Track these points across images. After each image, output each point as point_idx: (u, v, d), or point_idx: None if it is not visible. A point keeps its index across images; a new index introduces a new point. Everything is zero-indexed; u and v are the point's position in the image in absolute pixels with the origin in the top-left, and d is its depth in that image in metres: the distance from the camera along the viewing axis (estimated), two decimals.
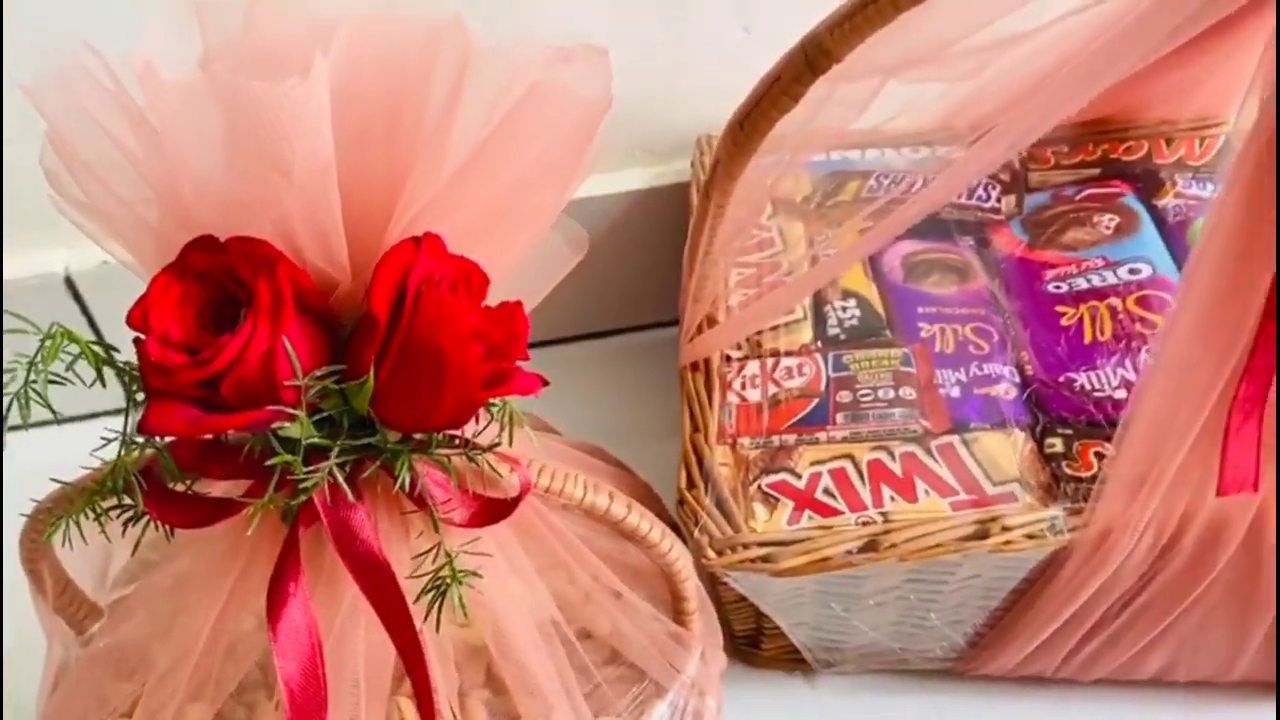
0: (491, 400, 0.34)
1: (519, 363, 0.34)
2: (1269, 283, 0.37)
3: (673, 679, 0.42)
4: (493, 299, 0.35)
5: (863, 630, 0.49)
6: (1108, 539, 0.42)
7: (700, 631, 0.43)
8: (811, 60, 0.41)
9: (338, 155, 0.31)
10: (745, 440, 0.48)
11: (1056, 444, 0.46)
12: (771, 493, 0.46)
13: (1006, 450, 0.46)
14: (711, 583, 0.47)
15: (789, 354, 0.52)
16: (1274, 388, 0.38)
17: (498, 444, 0.33)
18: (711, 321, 0.52)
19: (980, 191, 0.58)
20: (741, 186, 0.48)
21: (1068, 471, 0.44)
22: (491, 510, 0.34)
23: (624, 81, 0.35)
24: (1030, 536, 0.42)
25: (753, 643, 0.53)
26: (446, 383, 0.30)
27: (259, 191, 0.30)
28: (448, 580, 0.33)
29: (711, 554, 0.43)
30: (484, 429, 0.35)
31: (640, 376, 0.66)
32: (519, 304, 0.34)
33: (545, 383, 0.34)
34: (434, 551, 0.33)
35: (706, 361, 0.51)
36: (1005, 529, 0.42)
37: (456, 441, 0.33)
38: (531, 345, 0.35)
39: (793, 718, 0.52)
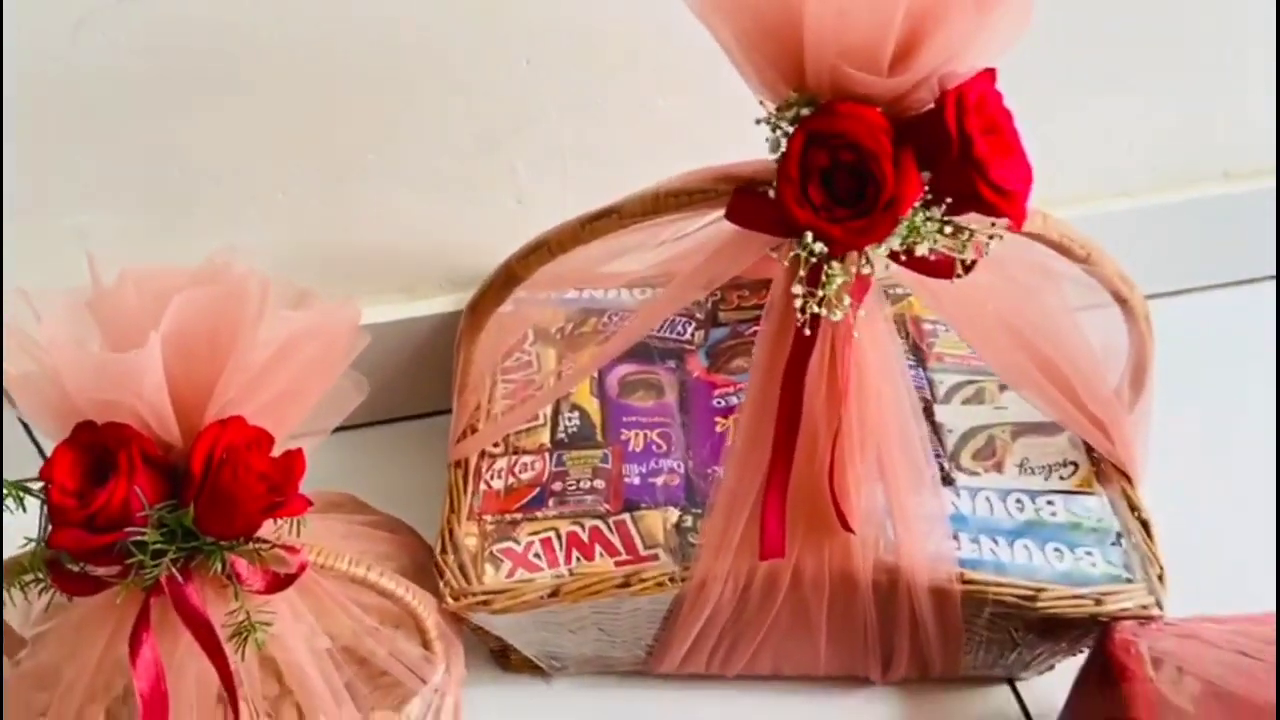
0: (281, 517, 0.55)
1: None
2: (777, 399, 0.58)
3: (420, 686, 0.63)
4: (294, 441, 0.56)
5: (572, 647, 0.70)
6: (705, 587, 0.64)
7: (441, 653, 0.64)
8: (508, 278, 0.62)
9: (175, 367, 0.51)
10: (488, 517, 0.69)
11: (689, 520, 0.68)
12: (499, 555, 0.67)
13: (659, 524, 0.68)
14: (460, 619, 0.67)
15: (528, 452, 0.73)
16: (788, 477, 0.59)
17: (273, 545, 0.54)
18: (473, 428, 0.73)
19: (679, 327, 0.80)
20: (492, 334, 0.70)
21: (691, 540, 0.66)
22: (277, 582, 0.54)
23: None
24: (659, 585, 0.64)
25: (503, 655, 0.74)
26: (236, 512, 0.50)
27: (122, 398, 0.50)
28: (249, 627, 0.53)
29: (450, 600, 0.64)
30: (278, 529, 0.56)
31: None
32: (298, 452, 0.55)
33: (309, 503, 0.54)
34: (239, 610, 0.53)
35: (468, 459, 0.72)
36: (641, 580, 0.64)
37: (251, 542, 0.53)
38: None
39: (534, 709, 0.74)
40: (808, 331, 0.51)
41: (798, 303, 0.49)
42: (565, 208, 0.61)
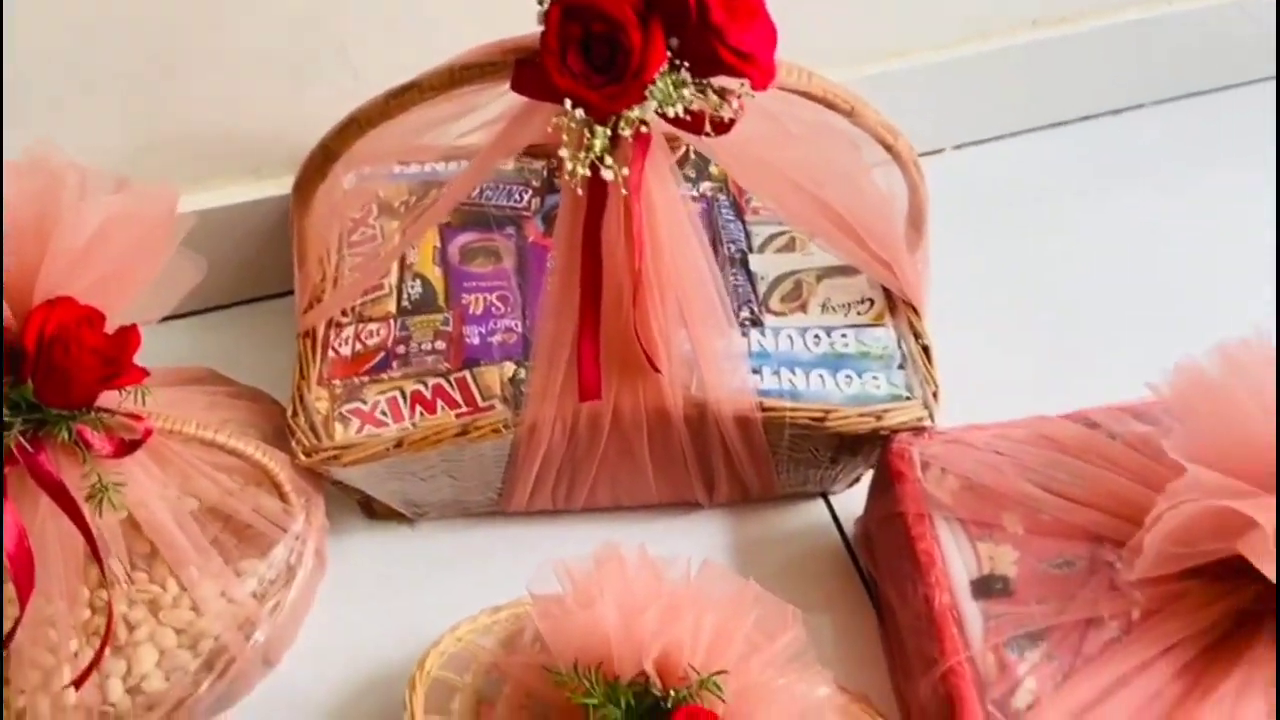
0: (120, 387, 0.59)
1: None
2: (580, 248, 0.63)
3: (281, 535, 0.70)
4: (126, 318, 0.60)
5: (428, 493, 0.77)
6: (536, 430, 0.71)
7: (299, 504, 0.70)
8: (325, 155, 0.66)
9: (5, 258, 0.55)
10: (337, 382, 0.75)
11: (523, 373, 0.74)
12: (347, 415, 0.73)
13: (496, 378, 0.74)
14: (319, 475, 0.73)
15: (374, 320, 0.78)
16: (598, 327, 0.65)
17: (115, 413, 0.58)
18: (319, 300, 0.78)
19: (517, 195, 0.84)
20: (321, 210, 0.73)
21: (523, 391, 0.73)
22: (124, 447, 0.60)
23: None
24: (494, 431, 0.71)
25: (367, 505, 0.81)
26: (71, 384, 0.55)
27: None
28: (101, 489, 0.59)
29: (302, 457, 0.70)
30: (123, 399, 0.61)
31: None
32: (132, 327, 0.59)
33: (146, 373, 0.59)
34: (90, 474, 0.59)
35: (315, 329, 0.77)
36: (478, 428, 0.70)
37: (94, 412, 0.58)
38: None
39: (400, 552, 0.81)
40: (580, 192, 0.56)
41: (567, 165, 0.54)
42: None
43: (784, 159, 0.67)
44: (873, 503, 0.73)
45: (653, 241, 0.64)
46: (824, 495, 0.83)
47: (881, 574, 0.72)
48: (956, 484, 0.67)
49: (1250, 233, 0.98)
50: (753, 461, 0.75)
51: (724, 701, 0.56)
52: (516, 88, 0.56)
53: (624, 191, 0.59)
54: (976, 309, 0.90)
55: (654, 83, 0.50)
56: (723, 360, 0.70)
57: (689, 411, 0.71)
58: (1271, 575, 0.53)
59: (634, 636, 0.57)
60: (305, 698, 0.72)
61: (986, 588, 0.63)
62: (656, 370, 0.67)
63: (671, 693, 0.57)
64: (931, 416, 0.71)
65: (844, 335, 0.75)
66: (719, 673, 0.57)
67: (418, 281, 0.80)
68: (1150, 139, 1.08)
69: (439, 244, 0.82)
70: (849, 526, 0.81)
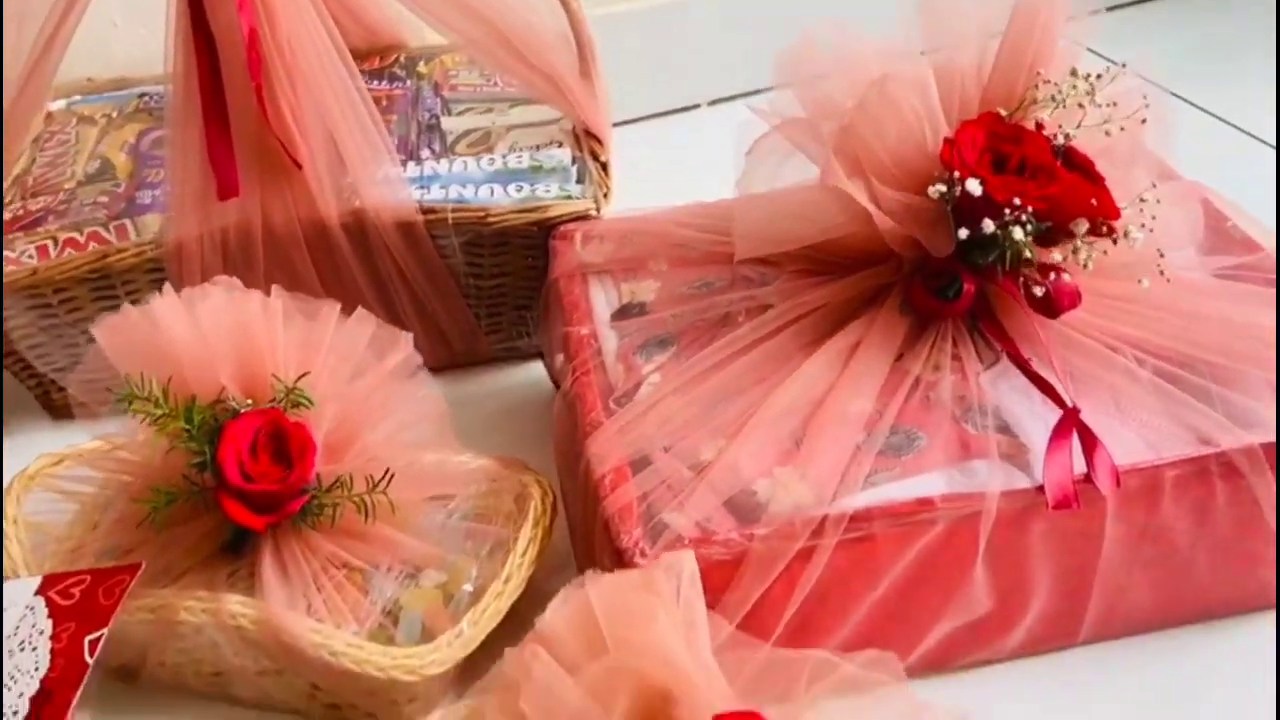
0: None
1: None
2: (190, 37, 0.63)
3: None
4: None
5: None
6: (182, 249, 0.68)
7: None
8: None
9: None
10: None
11: None
12: None
13: (157, 222, 0.72)
14: None
15: (44, 194, 0.76)
16: (224, 122, 0.64)
17: None
18: None
19: None
20: None
21: None
22: None
23: None
24: (136, 254, 0.67)
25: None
26: None
27: None
28: None
29: None
30: None
31: None
32: None
33: None
34: None
35: None
36: (120, 251, 0.67)
37: None
38: None
39: None
40: None
41: None
42: None
43: None
44: (543, 292, 0.69)
45: (270, 32, 0.64)
46: (542, 355, 0.79)
47: (550, 360, 0.68)
48: (611, 247, 0.65)
49: None
50: (432, 286, 0.71)
51: (311, 405, 0.51)
52: None
53: None
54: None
55: None
56: (383, 184, 0.68)
57: (346, 220, 0.68)
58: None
59: (208, 350, 0.52)
60: None
61: (624, 313, 0.59)
62: (296, 164, 0.66)
63: (249, 401, 0.51)
64: (598, 210, 0.70)
65: (519, 155, 0.75)
66: (303, 375, 0.52)
67: (98, 161, 0.79)
68: None
69: (134, 140, 0.82)
70: None
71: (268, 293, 0.69)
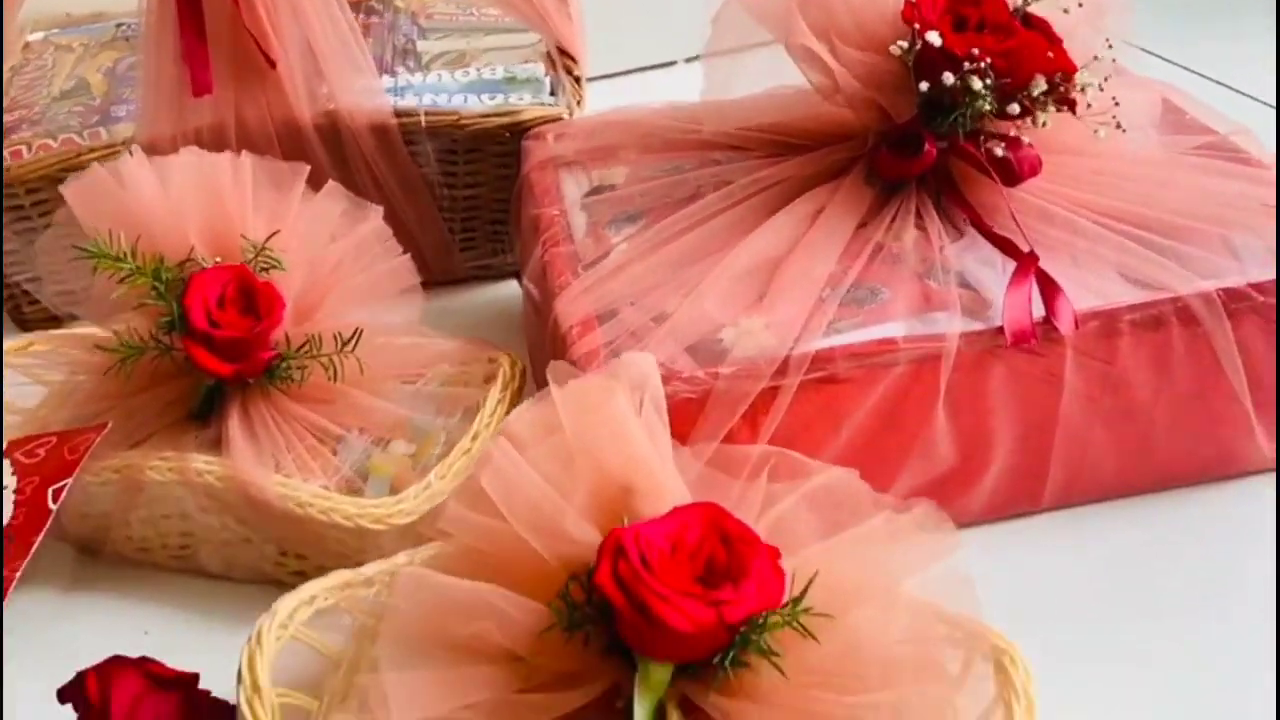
0: None
1: None
2: None
3: None
4: None
5: None
6: (155, 149, 0.68)
7: None
8: None
9: None
10: None
11: None
12: None
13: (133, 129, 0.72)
14: None
15: (22, 107, 0.76)
16: (199, 20, 0.65)
17: None
18: None
19: None
20: None
21: None
22: None
23: None
24: (108, 153, 0.67)
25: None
26: None
27: None
28: None
29: None
30: None
31: None
32: None
33: None
34: None
35: None
36: (93, 150, 0.67)
37: None
38: None
39: None
40: None
41: None
42: None
43: None
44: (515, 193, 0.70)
45: None
46: (518, 275, 0.80)
47: (522, 257, 0.68)
48: (585, 140, 0.65)
49: None
50: (405, 194, 0.72)
51: (281, 267, 0.52)
52: None
53: None
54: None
55: None
56: (360, 93, 0.69)
57: (320, 121, 0.69)
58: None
59: (177, 209, 0.52)
60: None
61: (594, 194, 0.60)
62: (270, 62, 0.66)
63: (219, 258, 0.52)
64: (571, 115, 0.70)
65: (493, 69, 0.76)
66: (274, 234, 0.52)
67: (74, 80, 0.79)
68: None
69: (110, 65, 0.82)
70: None
71: None
